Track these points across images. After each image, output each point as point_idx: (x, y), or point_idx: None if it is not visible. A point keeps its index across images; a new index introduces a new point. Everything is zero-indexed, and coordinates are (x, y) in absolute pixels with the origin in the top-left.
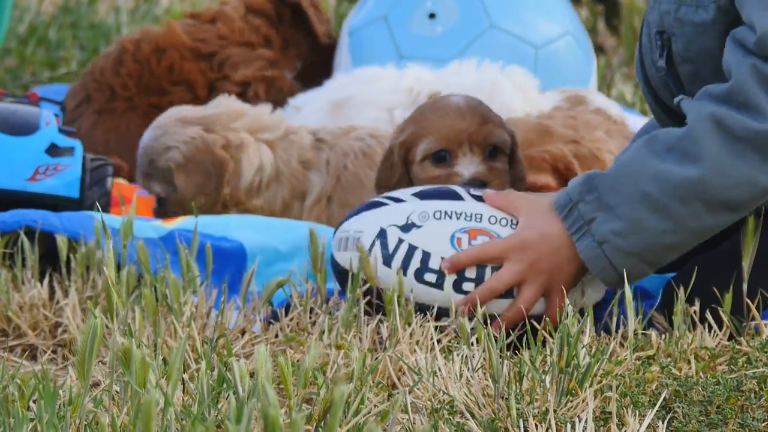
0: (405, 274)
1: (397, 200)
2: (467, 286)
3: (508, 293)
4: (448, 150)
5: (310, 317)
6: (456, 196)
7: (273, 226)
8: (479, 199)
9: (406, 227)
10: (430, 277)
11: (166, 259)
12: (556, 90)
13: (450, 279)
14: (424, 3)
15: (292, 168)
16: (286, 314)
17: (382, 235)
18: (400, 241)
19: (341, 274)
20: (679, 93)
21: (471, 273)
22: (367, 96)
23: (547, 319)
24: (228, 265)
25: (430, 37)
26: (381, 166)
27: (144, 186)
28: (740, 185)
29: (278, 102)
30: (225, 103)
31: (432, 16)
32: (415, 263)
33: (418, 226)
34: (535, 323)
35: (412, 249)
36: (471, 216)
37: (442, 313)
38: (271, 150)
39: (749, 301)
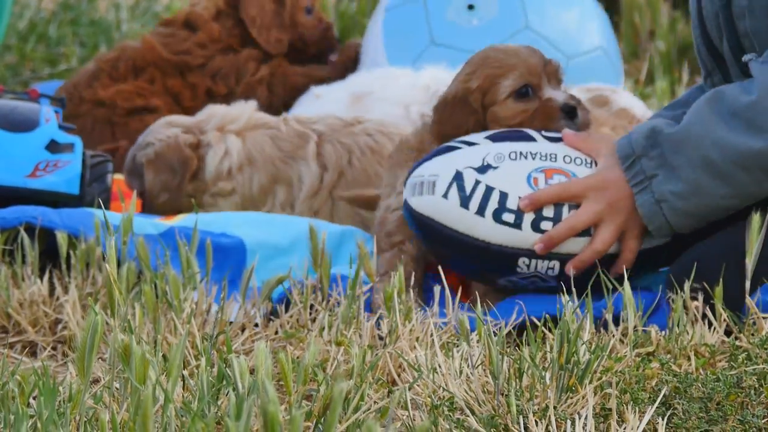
0: (483, 215)
1: (470, 143)
2: (545, 225)
3: (585, 233)
4: (531, 84)
5: (310, 313)
6: (529, 138)
7: (273, 223)
8: (552, 140)
9: (483, 168)
10: (509, 217)
11: (166, 256)
12: (581, 87)
13: (528, 218)
14: None
15: (266, 154)
16: (286, 311)
17: (458, 177)
18: (477, 182)
19: (417, 219)
20: (727, 29)
21: (549, 212)
22: (386, 92)
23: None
24: (228, 261)
25: (465, 28)
26: (443, 116)
27: (126, 182)
28: None
29: (296, 90)
30: (209, 110)
31: (471, 7)
32: (493, 204)
33: (495, 167)
34: (604, 271)
35: (489, 190)
36: (546, 156)
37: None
38: (240, 138)
39: (750, 299)
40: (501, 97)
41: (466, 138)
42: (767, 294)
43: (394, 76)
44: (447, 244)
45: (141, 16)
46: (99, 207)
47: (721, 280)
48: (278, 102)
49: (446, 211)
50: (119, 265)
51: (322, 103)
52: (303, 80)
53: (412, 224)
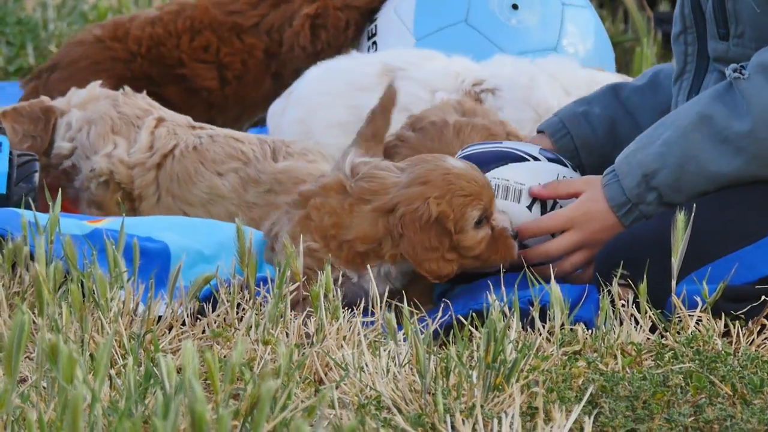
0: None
1: (533, 157)
2: None
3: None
4: (487, 213)
5: (237, 312)
6: (566, 164)
7: (197, 228)
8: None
9: None
10: None
11: (93, 255)
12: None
13: None
14: None
15: (104, 113)
16: (214, 310)
17: None
18: (555, 202)
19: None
20: (716, 6)
21: None
22: (416, 73)
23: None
24: (152, 265)
25: (503, 24)
26: (418, 236)
27: None
28: None
29: (341, 31)
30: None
31: (515, 7)
32: None
33: None
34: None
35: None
36: None
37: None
38: (82, 110)
39: (676, 298)
40: (468, 227)
41: (524, 147)
42: (693, 284)
43: (428, 58)
44: None
45: (68, 15)
46: (27, 207)
47: (646, 274)
48: (323, 47)
49: (524, 219)
50: (46, 264)
51: (353, 65)
52: (347, 15)
53: None
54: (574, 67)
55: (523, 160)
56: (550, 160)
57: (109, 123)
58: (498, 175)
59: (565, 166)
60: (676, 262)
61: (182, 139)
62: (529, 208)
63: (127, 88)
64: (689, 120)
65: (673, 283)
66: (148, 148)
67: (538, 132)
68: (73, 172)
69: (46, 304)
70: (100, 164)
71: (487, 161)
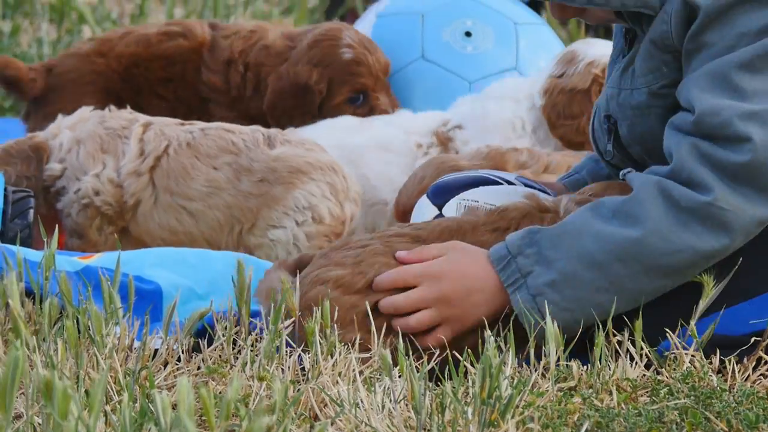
0: None
1: (509, 182)
2: None
3: None
4: None
5: (234, 348)
6: (547, 192)
7: (187, 263)
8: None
9: None
10: None
11: (88, 291)
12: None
13: None
14: (464, 19)
15: (92, 132)
16: (209, 346)
17: None
18: None
19: None
20: (621, 153)
21: None
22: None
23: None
24: (146, 303)
25: (459, 53)
26: None
27: None
28: (680, 252)
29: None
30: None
31: (468, 34)
32: None
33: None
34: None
35: None
36: None
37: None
38: (71, 131)
39: (670, 332)
40: None
41: (499, 174)
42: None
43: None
44: None
45: (63, 50)
46: (22, 243)
47: (641, 316)
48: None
49: None
50: (42, 300)
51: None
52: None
53: None
54: (514, 79)
55: (497, 184)
56: (526, 185)
57: (97, 141)
58: (467, 196)
59: (547, 193)
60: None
61: (173, 137)
62: None
63: (112, 106)
64: (584, 207)
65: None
66: (139, 155)
67: None
68: (61, 193)
69: (38, 340)
70: (86, 185)
71: (458, 186)
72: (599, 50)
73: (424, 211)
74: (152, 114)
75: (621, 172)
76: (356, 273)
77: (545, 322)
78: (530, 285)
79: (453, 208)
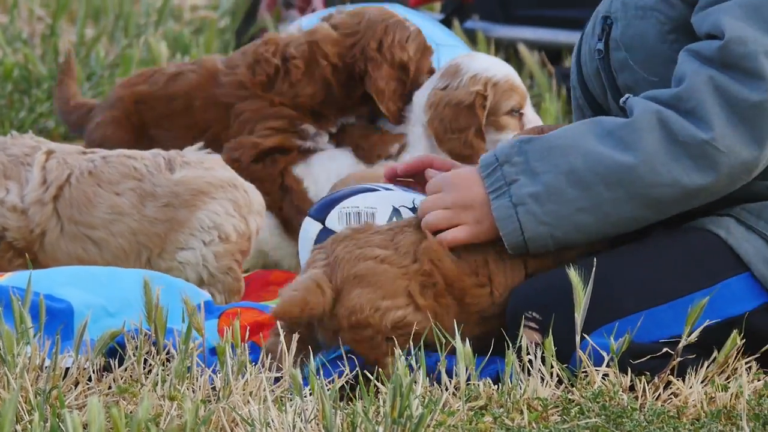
0: None
1: (387, 188)
2: None
3: None
4: None
5: (144, 368)
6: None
7: (98, 280)
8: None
9: (414, 210)
10: None
11: None
12: None
13: None
14: None
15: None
16: (120, 365)
17: (396, 212)
18: None
19: None
20: (609, 84)
21: None
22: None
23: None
24: (57, 322)
25: None
26: None
27: None
28: (667, 185)
29: None
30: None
31: None
32: None
33: None
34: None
35: None
36: None
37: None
38: None
39: (581, 352)
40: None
41: (377, 185)
42: (600, 338)
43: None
44: None
45: None
46: None
47: (552, 326)
48: None
49: None
50: None
51: None
52: None
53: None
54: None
55: (376, 191)
56: (405, 191)
57: (0, 169)
58: (348, 204)
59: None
60: (578, 317)
61: (75, 166)
62: None
63: (14, 132)
64: (583, 121)
65: (578, 338)
66: (41, 184)
67: None
68: None
69: None
70: None
71: (338, 199)
72: (482, 64)
73: (308, 229)
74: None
75: (621, 99)
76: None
77: (455, 341)
78: (513, 193)
79: (335, 218)
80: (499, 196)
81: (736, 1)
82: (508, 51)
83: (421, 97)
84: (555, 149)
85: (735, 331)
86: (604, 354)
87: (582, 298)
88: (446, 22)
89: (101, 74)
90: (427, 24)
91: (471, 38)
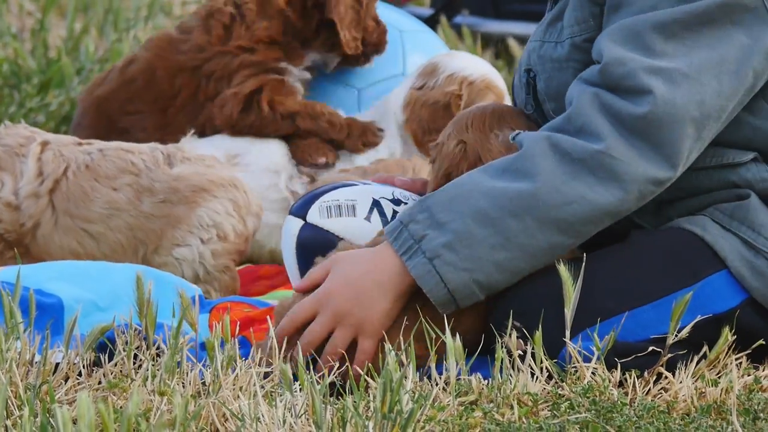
0: None
1: (366, 183)
2: None
3: None
4: None
5: (134, 363)
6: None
7: (89, 275)
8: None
9: (396, 201)
10: None
11: None
12: None
13: None
14: None
15: None
16: (110, 360)
17: (377, 204)
18: (394, 211)
19: (325, 239)
20: (538, 111)
21: None
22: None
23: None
24: (47, 317)
25: None
26: None
27: None
28: (573, 203)
29: None
30: None
31: None
32: None
33: (405, 202)
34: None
35: None
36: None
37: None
38: None
39: (572, 347)
40: None
41: (357, 180)
42: (588, 340)
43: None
44: None
45: None
46: None
47: (540, 325)
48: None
49: (367, 232)
50: None
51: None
52: None
53: (313, 245)
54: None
55: (355, 185)
56: (383, 186)
57: None
58: (328, 198)
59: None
60: (569, 312)
61: (72, 159)
62: (368, 219)
63: (8, 122)
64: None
65: (567, 333)
66: (37, 176)
67: None
68: None
69: None
70: None
71: (320, 194)
72: (460, 63)
73: (290, 226)
74: None
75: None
76: None
77: (445, 336)
78: (425, 249)
79: (316, 213)
80: (411, 255)
81: (618, 24)
82: (498, 46)
83: (397, 97)
84: (456, 198)
85: (726, 328)
86: (591, 354)
87: (572, 293)
88: (435, 18)
89: (90, 68)
90: (390, 12)
91: (460, 34)
